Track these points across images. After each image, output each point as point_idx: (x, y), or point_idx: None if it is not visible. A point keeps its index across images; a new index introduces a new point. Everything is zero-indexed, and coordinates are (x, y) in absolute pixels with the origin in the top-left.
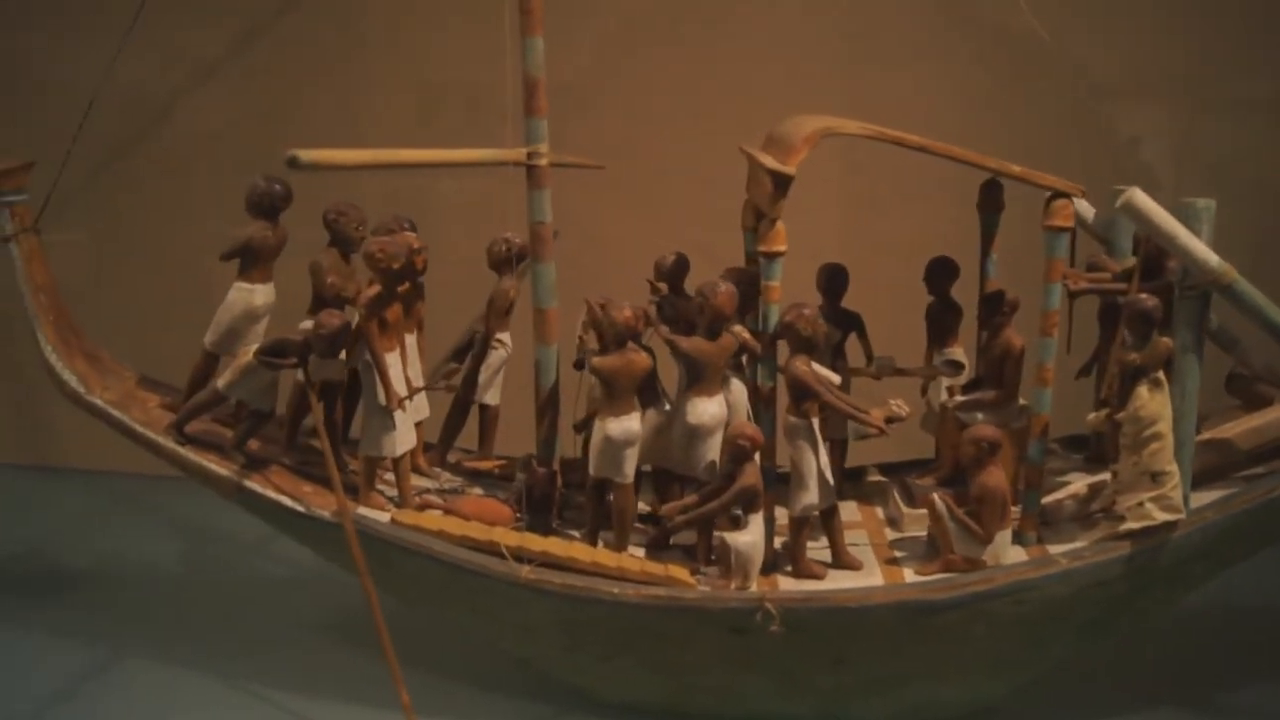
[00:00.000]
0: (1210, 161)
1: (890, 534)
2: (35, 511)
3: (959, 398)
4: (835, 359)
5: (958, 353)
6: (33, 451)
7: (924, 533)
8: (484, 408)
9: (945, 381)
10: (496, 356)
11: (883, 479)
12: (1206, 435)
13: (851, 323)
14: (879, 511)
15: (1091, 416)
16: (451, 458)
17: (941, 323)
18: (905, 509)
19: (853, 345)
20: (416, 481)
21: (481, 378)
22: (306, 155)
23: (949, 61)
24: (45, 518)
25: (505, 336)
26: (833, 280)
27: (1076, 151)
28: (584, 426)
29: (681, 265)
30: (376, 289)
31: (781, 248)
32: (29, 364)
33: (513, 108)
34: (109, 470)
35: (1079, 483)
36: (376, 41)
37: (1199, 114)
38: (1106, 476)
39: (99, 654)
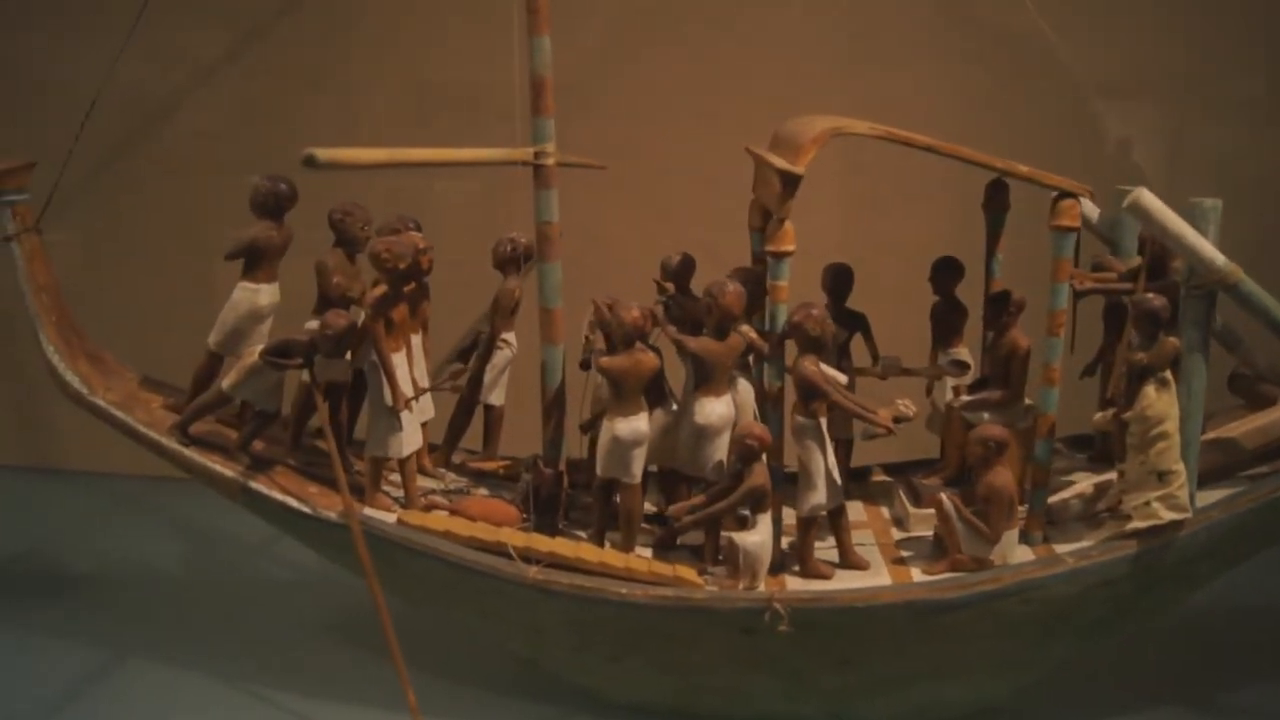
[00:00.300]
0: (1211, 160)
1: (896, 534)
2: (36, 512)
3: (964, 397)
4: (841, 359)
5: (963, 352)
6: (34, 452)
7: (930, 532)
8: (489, 408)
9: (950, 381)
10: (501, 357)
11: (888, 479)
12: (1212, 435)
13: (857, 323)
14: (884, 511)
15: (1098, 416)
16: (456, 458)
17: (947, 322)
18: (911, 509)
19: (857, 345)
20: (422, 482)
21: (487, 378)
22: (324, 154)
23: (949, 61)
24: (46, 519)
25: (510, 336)
26: (838, 280)
27: (1077, 151)
28: (590, 427)
29: (687, 265)
30: (382, 289)
31: (790, 248)
32: (30, 364)
33: (518, 107)
34: (111, 472)
35: (1085, 482)
36: (376, 41)
37: (1199, 113)
38: (1112, 476)
39: (100, 655)
